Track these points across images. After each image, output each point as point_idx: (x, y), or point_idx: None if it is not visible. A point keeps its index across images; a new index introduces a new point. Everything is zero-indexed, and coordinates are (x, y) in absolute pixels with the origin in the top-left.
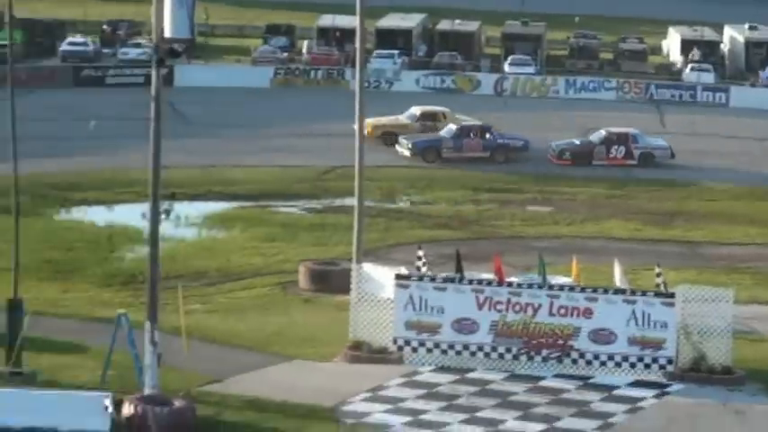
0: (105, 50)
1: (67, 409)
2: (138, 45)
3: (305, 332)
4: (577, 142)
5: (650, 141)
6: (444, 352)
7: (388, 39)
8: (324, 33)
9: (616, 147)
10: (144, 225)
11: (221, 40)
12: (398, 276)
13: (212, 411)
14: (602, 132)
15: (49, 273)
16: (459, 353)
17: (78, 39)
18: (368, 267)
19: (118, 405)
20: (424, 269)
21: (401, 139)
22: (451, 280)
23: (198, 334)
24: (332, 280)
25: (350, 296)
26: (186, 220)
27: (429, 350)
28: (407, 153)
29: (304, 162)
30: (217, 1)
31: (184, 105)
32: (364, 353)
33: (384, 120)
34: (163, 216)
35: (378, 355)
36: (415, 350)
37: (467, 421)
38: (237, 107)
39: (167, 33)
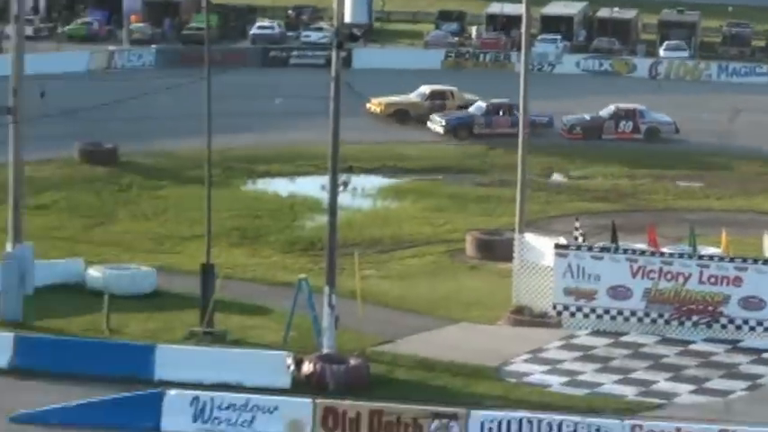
0: (290, 34)
1: (253, 367)
2: (319, 29)
3: (470, 297)
4: (587, 117)
5: (656, 117)
6: (600, 317)
7: (551, 25)
8: (492, 20)
9: (624, 121)
10: (323, 196)
11: (396, 25)
12: (558, 246)
13: (384, 370)
14: (612, 108)
15: (236, 239)
16: (613, 318)
17: (266, 23)
18: (529, 237)
19: (298, 363)
20: (581, 239)
21: (434, 117)
22: (607, 249)
23: (372, 298)
24: (496, 249)
25: (513, 264)
26: (362, 192)
27: (586, 315)
28: (440, 130)
29: None
30: None
31: (361, 86)
32: (526, 317)
33: (396, 98)
34: (341, 188)
35: (538, 320)
36: (572, 315)
37: (620, 382)
38: (410, 88)
39: (347, 19)
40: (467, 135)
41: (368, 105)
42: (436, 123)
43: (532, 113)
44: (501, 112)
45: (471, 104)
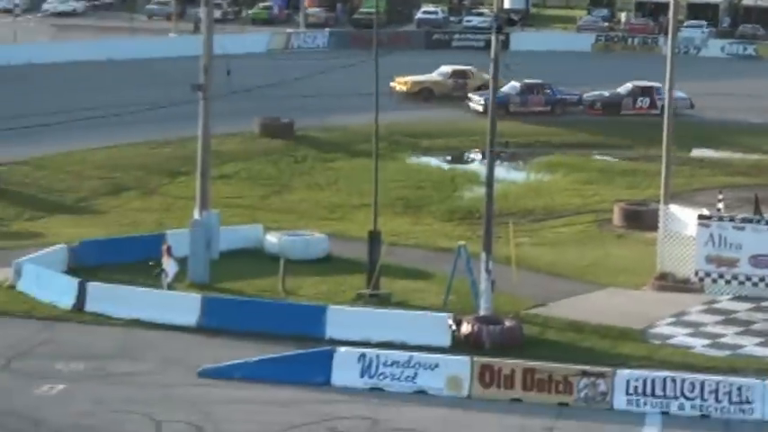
0: (452, 18)
1: (416, 327)
2: (480, 14)
3: (617, 264)
4: (607, 94)
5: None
6: (741, 283)
7: (697, 11)
8: (641, 6)
9: (641, 98)
10: (481, 169)
11: (551, 10)
12: (701, 217)
13: (537, 331)
14: (629, 85)
15: (400, 208)
16: (755, 284)
17: (431, 8)
18: (674, 208)
19: (457, 324)
20: (723, 211)
21: (472, 96)
22: (749, 220)
23: (525, 264)
24: (642, 219)
25: (657, 233)
26: (518, 165)
27: (727, 281)
28: (480, 108)
29: None
30: None
31: (518, 66)
32: (669, 282)
33: (420, 77)
34: (499, 160)
35: (681, 285)
36: (714, 281)
37: (762, 344)
38: (563, 67)
39: (506, 5)
40: (503, 113)
41: (392, 84)
42: (475, 102)
43: (564, 92)
44: (535, 91)
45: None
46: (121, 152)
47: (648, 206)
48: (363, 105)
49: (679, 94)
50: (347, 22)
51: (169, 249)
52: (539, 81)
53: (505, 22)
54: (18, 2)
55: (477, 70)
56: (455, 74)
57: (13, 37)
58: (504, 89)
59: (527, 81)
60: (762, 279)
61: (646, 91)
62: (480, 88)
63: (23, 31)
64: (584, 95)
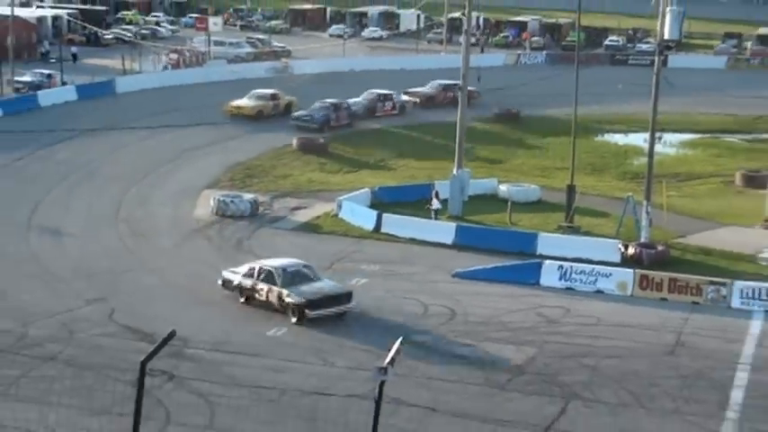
0: (629, 44)
1: (597, 249)
2: (648, 42)
3: (737, 211)
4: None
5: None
6: None
7: None
8: (760, 38)
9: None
10: (645, 145)
11: (696, 40)
12: None
13: (679, 253)
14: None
15: (588, 171)
16: None
17: (614, 37)
18: None
19: (625, 247)
20: None
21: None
22: None
23: (672, 209)
24: (757, 181)
25: (767, 190)
26: (670, 143)
27: None
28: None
29: (744, 112)
30: (696, 18)
31: (673, 79)
32: None
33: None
34: (657, 140)
35: None
36: None
37: None
38: (702, 80)
39: (666, 36)
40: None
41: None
42: None
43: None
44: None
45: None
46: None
47: (761, 172)
48: (565, 101)
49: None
50: (558, 47)
51: (437, 194)
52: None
53: (665, 47)
54: (347, 30)
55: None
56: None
57: (342, 53)
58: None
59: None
60: None
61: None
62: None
63: (349, 49)
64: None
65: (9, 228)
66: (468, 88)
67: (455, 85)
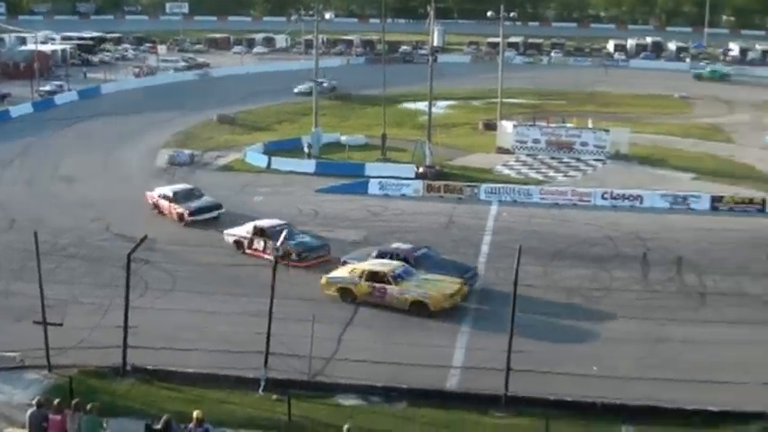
0: (414, 51)
1: (401, 171)
2: (424, 48)
3: (480, 144)
4: None
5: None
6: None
7: None
8: (491, 44)
9: None
10: (426, 108)
11: (453, 45)
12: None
13: (449, 170)
14: None
15: (394, 125)
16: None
17: (405, 47)
18: None
19: (417, 168)
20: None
21: None
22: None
23: (444, 145)
24: (490, 126)
25: (496, 131)
26: (441, 107)
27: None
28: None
29: (480, 86)
30: (452, 33)
31: (442, 69)
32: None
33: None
34: (433, 105)
35: (506, 150)
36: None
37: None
38: (457, 69)
39: (435, 44)
40: None
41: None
42: None
43: None
44: None
45: None
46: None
47: (492, 121)
48: (377, 85)
49: None
50: (372, 53)
51: (310, 145)
52: None
53: (434, 51)
54: (244, 49)
55: None
56: None
57: (241, 63)
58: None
59: None
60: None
61: None
62: None
63: (246, 61)
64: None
65: (41, 177)
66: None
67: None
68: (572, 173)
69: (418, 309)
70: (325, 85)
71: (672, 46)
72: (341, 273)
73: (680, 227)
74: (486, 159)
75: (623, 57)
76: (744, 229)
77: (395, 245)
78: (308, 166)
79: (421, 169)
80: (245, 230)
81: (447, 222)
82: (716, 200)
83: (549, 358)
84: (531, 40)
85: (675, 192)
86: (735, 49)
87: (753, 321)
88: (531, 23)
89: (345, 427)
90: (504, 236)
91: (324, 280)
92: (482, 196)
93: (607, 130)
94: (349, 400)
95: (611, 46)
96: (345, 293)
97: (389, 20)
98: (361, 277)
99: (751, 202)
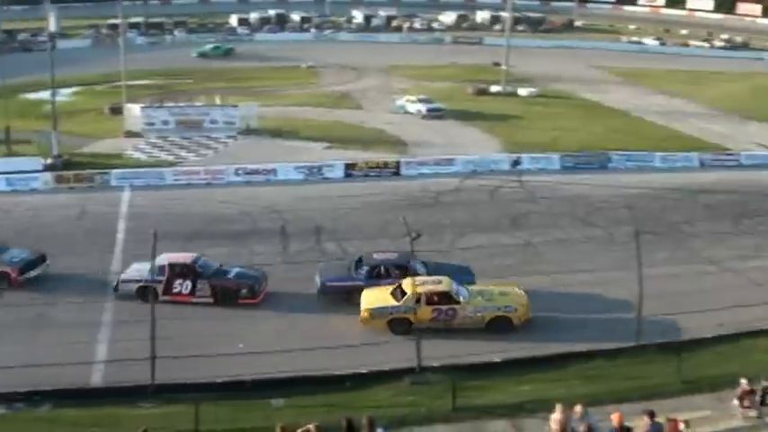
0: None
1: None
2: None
3: (108, 129)
4: None
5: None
6: None
7: None
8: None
9: None
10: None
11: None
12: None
13: (80, 159)
14: None
15: (17, 116)
16: None
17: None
18: None
19: (45, 159)
20: None
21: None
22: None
23: (69, 134)
24: (116, 111)
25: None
26: (64, 94)
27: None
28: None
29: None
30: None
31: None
32: None
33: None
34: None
35: None
36: None
37: None
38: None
39: (51, 29)
40: None
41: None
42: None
43: None
44: None
45: None
46: None
47: (118, 104)
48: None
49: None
50: None
51: None
52: None
53: (51, 37)
54: None
55: None
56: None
57: None
58: None
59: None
60: None
61: None
62: None
63: None
64: None
65: None
66: None
67: None
68: (203, 151)
69: (496, 327)
70: None
71: (296, 17)
72: (381, 301)
73: (316, 196)
74: (116, 144)
75: (247, 31)
76: (380, 192)
77: (378, 256)
78: None
79: (50, 160)
80: (144, 272)
81: (80, 213)
82: (350, 167)
83: (197, 342)
84: (152, 20)
85: (310, 163)
86: (359, 16)
87: None
88: (151, 2)
89: None
90: (139, 221)
91: (366, 314)
92: (113, 183)
93: (236, 106)
94: None
95: (234, 21)
96: (398, 324)
97: (4, 6)
98: (419, 302)
99: (386, 165)
